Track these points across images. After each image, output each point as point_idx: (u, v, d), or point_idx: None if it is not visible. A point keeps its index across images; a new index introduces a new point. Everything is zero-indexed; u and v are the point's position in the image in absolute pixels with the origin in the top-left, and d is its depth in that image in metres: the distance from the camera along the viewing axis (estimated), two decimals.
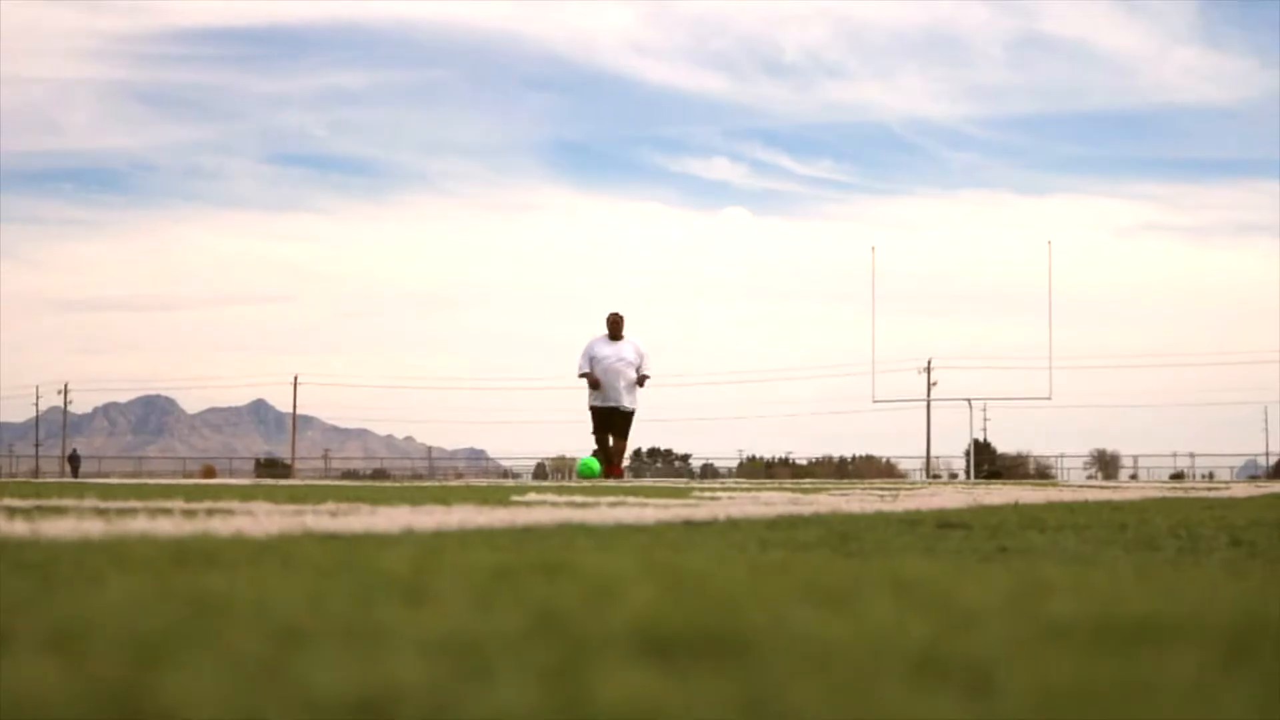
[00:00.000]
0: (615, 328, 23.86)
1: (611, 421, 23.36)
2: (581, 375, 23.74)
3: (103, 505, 4.59)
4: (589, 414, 23.71)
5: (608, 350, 23.44)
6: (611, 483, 18.91)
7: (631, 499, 6.36)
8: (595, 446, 23.79)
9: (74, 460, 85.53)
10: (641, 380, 23.54)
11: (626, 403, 23.52)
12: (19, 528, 2.91)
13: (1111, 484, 21.62)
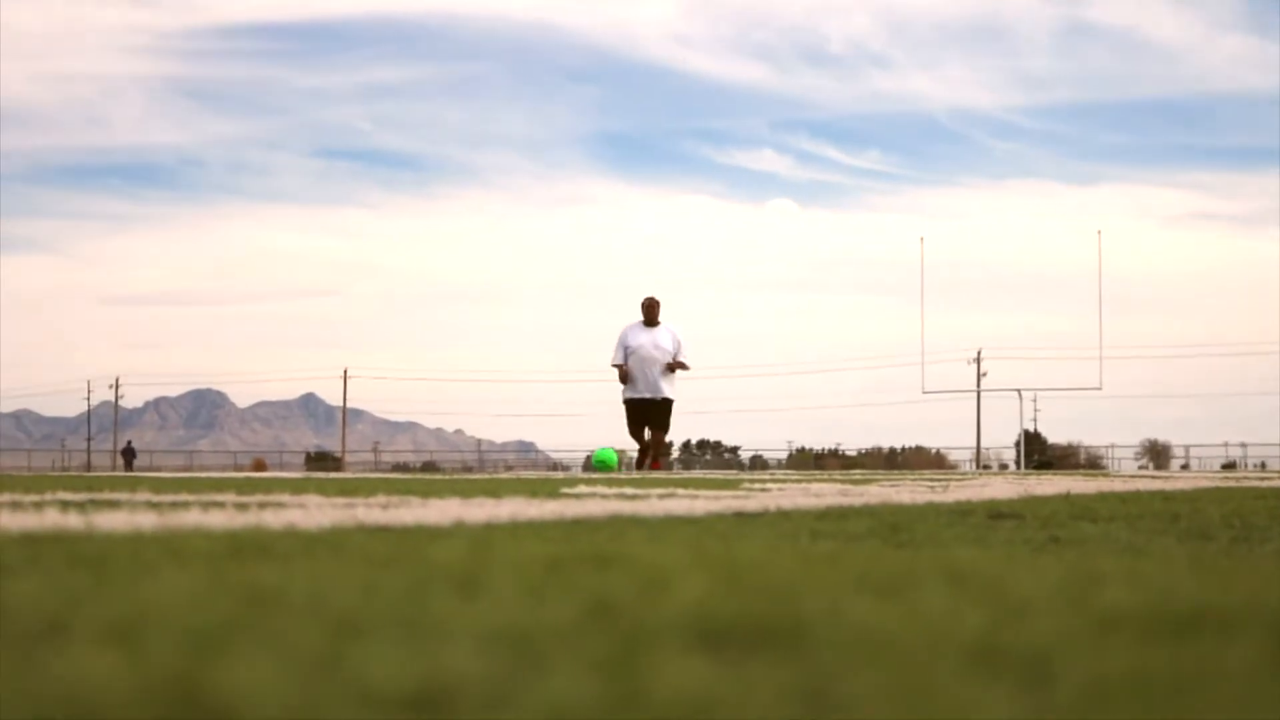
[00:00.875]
0: (650, 313, 22.40)
1: (648, 414, 22.03)
2: (614, 366, 22.47)
3: (155, 499, 4.61)
4: (624, 408, 22.34)
5: (643, 338, 22.17)
6: (660, 474, 18.74)
7: (682, 491, 6.37)
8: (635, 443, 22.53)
9: (128, 453, 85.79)
10: (676, 367, 22.09)
11: (664, 392, 22.04)
12: (73, 521, 2.93)
13: (1163, 474, 21.52)
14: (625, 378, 22.23)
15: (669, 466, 21.33)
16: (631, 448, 23.21)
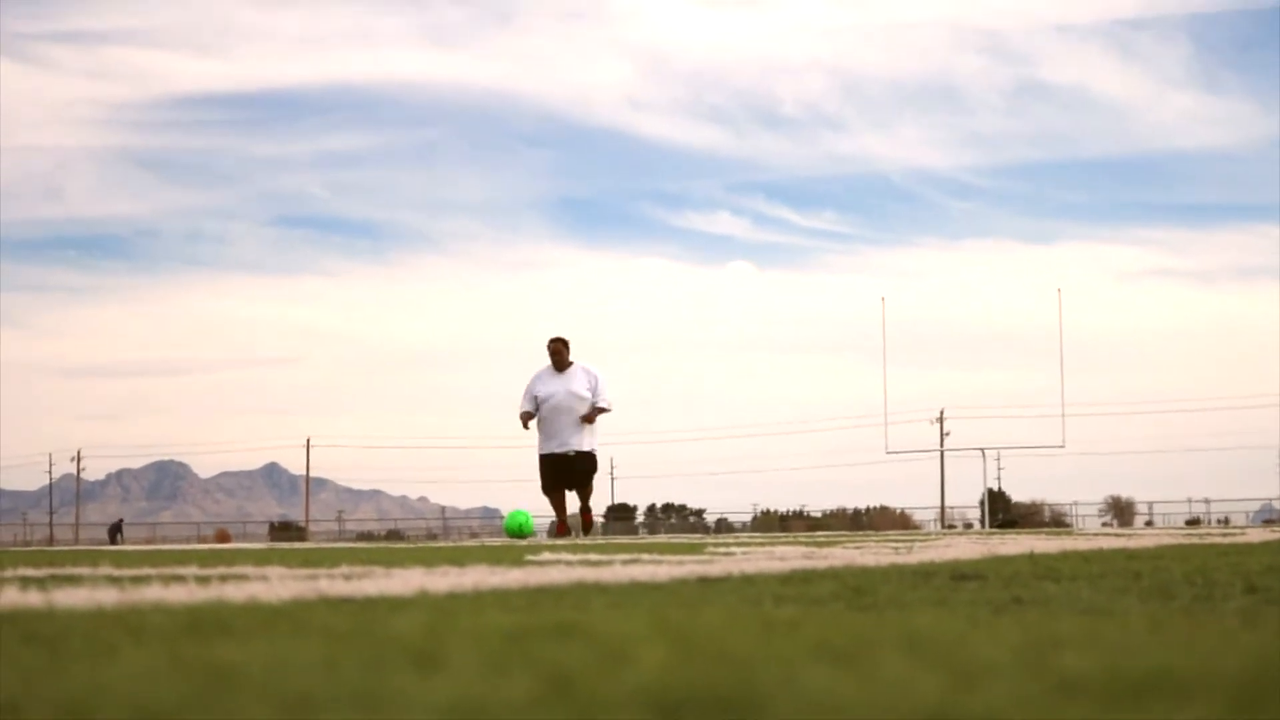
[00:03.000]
0: (559, 357, 20.01)
1: (565, 471, 19.73)
2: (522, 416, 19.91)
3: (117, 573, 4.59)
4: (538, 466, 19.92)
5: (554, 385, 19.76)
6: (624, 540, 18.21)
7: (646, 556, 6.36)
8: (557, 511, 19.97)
9: (115, 530, 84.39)
10: (594, 413, 19.72)
11: (583, 444, 19.73)
12: (33, 598, 2.91)
13: (1127, 531, 21.56)
14: (528, 424, 19.92)
15: (577, 532, 19.41)
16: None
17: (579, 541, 16.08)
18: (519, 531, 20.60)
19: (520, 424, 20.16)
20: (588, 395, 19.86)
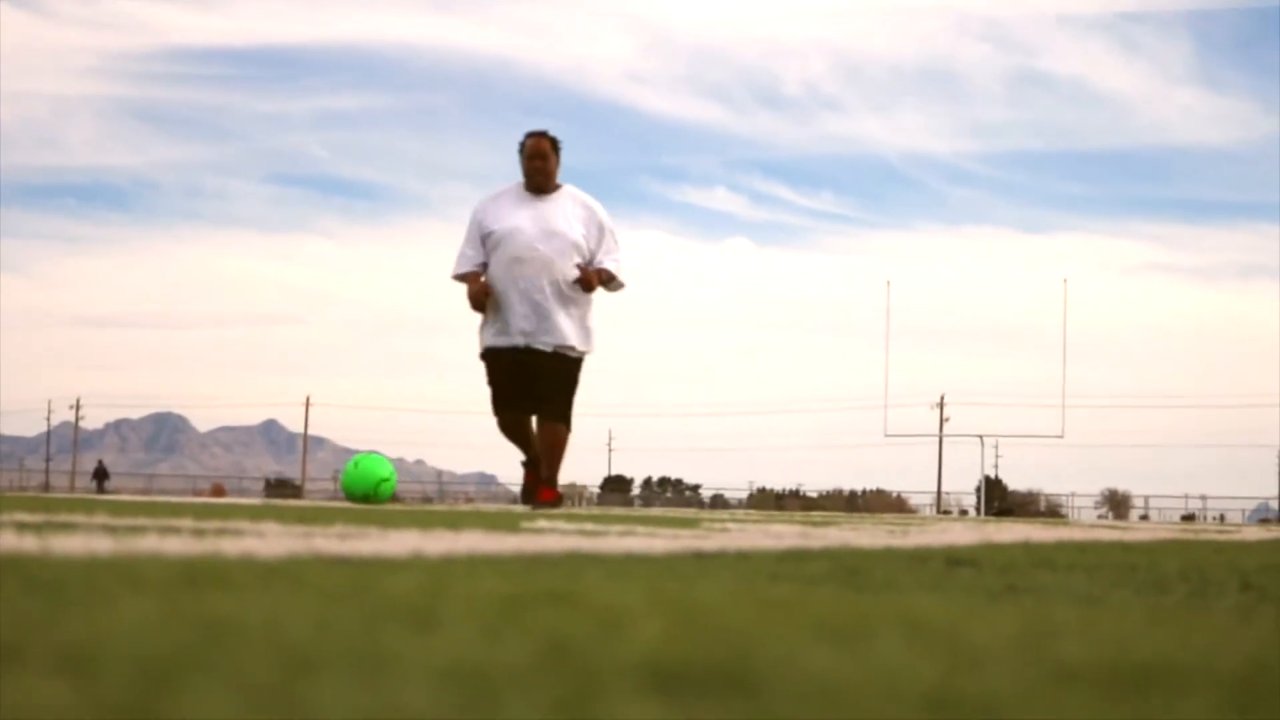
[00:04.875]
0: (539, 170, 11.73)
1: (527, 381, 11.60)
2: (457, 278, 11.76)
3: (113, 523, 4.59)
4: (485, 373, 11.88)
5: (520, 216, 11.54)
6: (619, 512, 13.80)
7: (641, 529, 6.36)
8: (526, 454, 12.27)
9: (100, 474, 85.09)
10: (597, 280, 11.61)
11: (562, 334, 11.53)
12: (29, 544, 2.91)
13: (1122, 524, 21.56)
14: (479, 299, 11.59)
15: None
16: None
17: (552, 512, 11.08)
18: (363, 492, 13.68)
19: (467, 297, 11.75)
20: (582, 241, 11.72)
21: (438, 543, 3.85)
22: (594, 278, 11.71)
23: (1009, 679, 1.22)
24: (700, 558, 3.90)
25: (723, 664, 1.23)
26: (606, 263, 11.86)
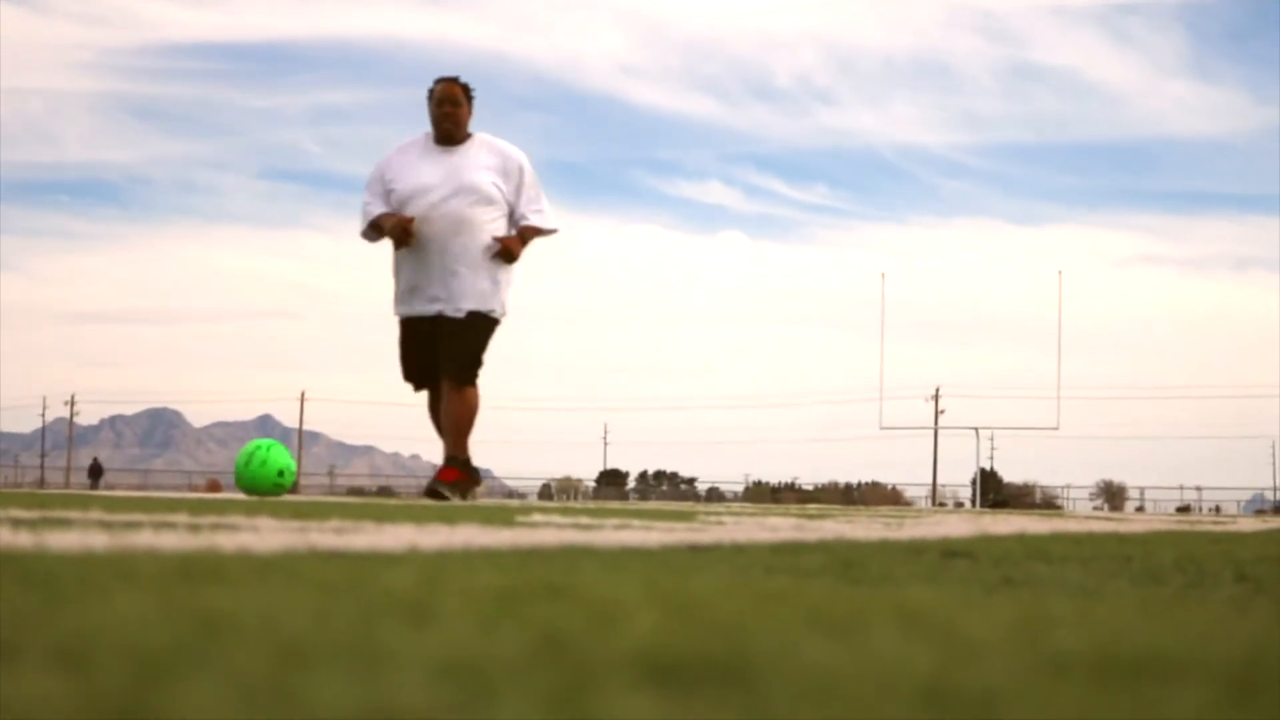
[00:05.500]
0: (449, 119, 10.97)
1: (435, 347, 10.83)
2: (368, 234, 11.04)
3: (108, 518, 4.59)
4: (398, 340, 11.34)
5: (429, 172, 10.70)
6: (615, 505, 13.96)
7: (636, 522, 6.36)
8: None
9: (95, 471, 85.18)
10: (520, 247, 10.72)
11: (478, 297, 10.71)
12: (24, 540, 2.91)
13: (1118, 516, 21.56)
14: (402, 238, 10.67)
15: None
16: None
17: (457, 504, 10.10)
18: (257, 482, 12.63)
19: (391, 243, 10.82)
20: (498, 196, 10.69)
21: (433, 537, 3.85)
22: (516, 246, 10.79)
23: (1004, 670, 1.22)
24: (696, 551, 3.91)
25: (718, 656, 1.23)
26: (530, 218, 10.94)
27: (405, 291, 10.95)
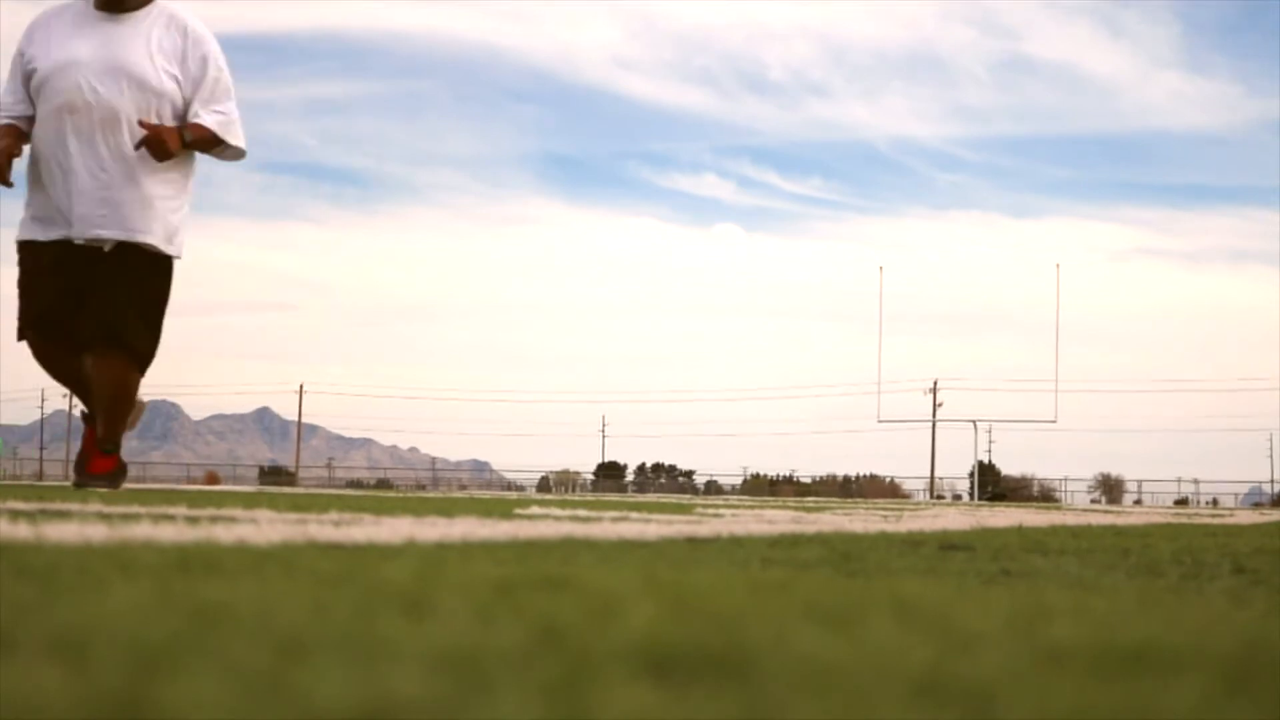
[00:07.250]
0: None
1: (82, 289, 8.11)
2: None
3: (106, 510, 4.59)
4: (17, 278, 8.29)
5: (79, 45, 7.96)
6: (613, 497, 13.73)
7: (634, 514, 6.37)
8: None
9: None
10: (176, 141, 7.91)
11: (139, 225, 8.01)
12: (23, 531, 2.91)
13: (1116, 509, 21.57)
14: (2, 168, 8.11)
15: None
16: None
17: (101, 491, 8.00)
18: None
19: None
20: (168, 82, 8.07)
21: (431, 529, 3.85)
22: (172, 139, 7.89)
23: (1001, 662, 1.22)
24: (693, 543, 3.91)
25: (716, 648, 1.23)
26: (205, 117, 8.10)
27: (38, 205, 8.20)
